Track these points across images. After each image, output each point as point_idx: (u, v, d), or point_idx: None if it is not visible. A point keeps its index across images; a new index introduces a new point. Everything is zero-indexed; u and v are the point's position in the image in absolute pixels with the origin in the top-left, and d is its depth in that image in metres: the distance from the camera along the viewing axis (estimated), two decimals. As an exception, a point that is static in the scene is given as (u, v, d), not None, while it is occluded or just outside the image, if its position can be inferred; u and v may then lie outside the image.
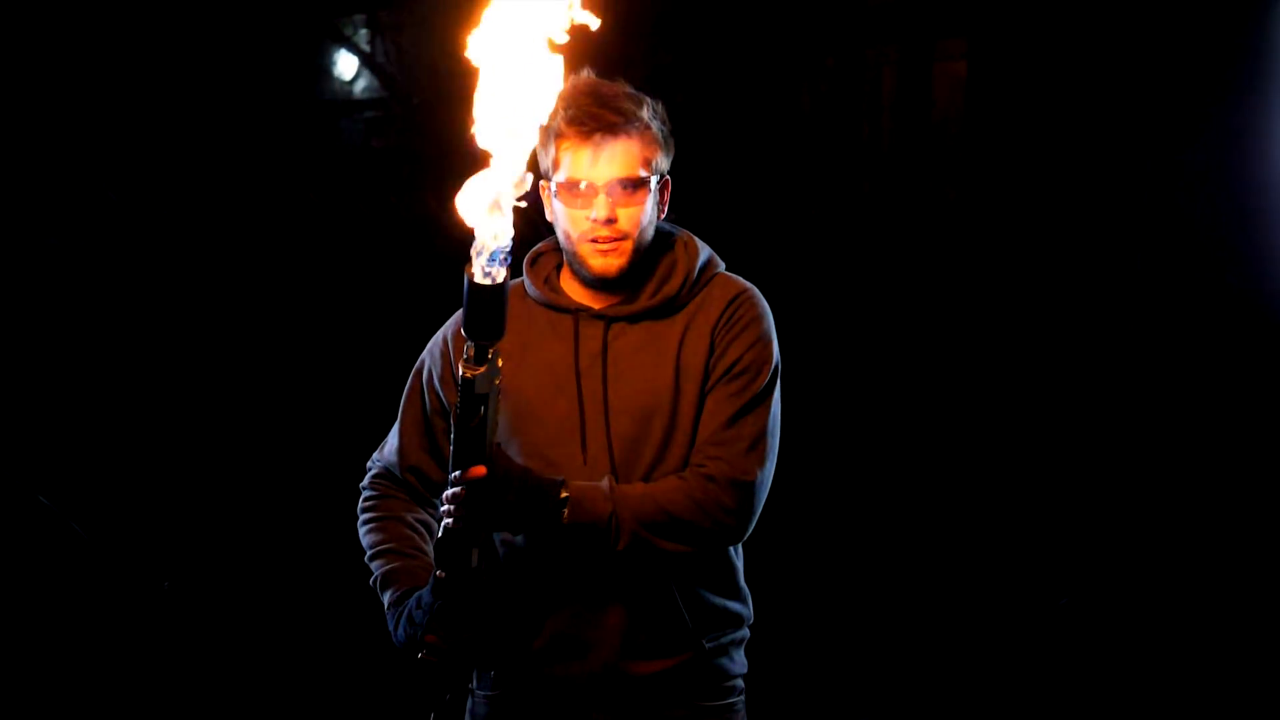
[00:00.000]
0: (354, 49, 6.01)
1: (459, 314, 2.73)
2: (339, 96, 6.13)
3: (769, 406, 2.78)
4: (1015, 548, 5.08)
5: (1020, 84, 5.32)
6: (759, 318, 2.80)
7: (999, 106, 5.41)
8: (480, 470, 2.55)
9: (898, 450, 5.33)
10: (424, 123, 5.59)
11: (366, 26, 6.01)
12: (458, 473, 2.56)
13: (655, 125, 2.76)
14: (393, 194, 5.45)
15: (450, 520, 2.58)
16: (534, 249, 2.90)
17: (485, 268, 2.42)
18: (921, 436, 5.32)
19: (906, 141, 5.69)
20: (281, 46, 5.77)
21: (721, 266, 2.87)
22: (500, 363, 2.50)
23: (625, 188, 2.72)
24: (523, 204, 2.38)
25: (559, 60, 2.41)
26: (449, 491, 2.58)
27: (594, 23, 2.39)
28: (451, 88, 2.42)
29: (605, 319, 2.79)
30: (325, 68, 6.07)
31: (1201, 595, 4.73)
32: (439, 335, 2.92)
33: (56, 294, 5.24)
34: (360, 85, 6.14)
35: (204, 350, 5.47)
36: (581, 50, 2.49)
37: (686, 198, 4.97)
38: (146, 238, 5.43)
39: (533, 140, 2.41)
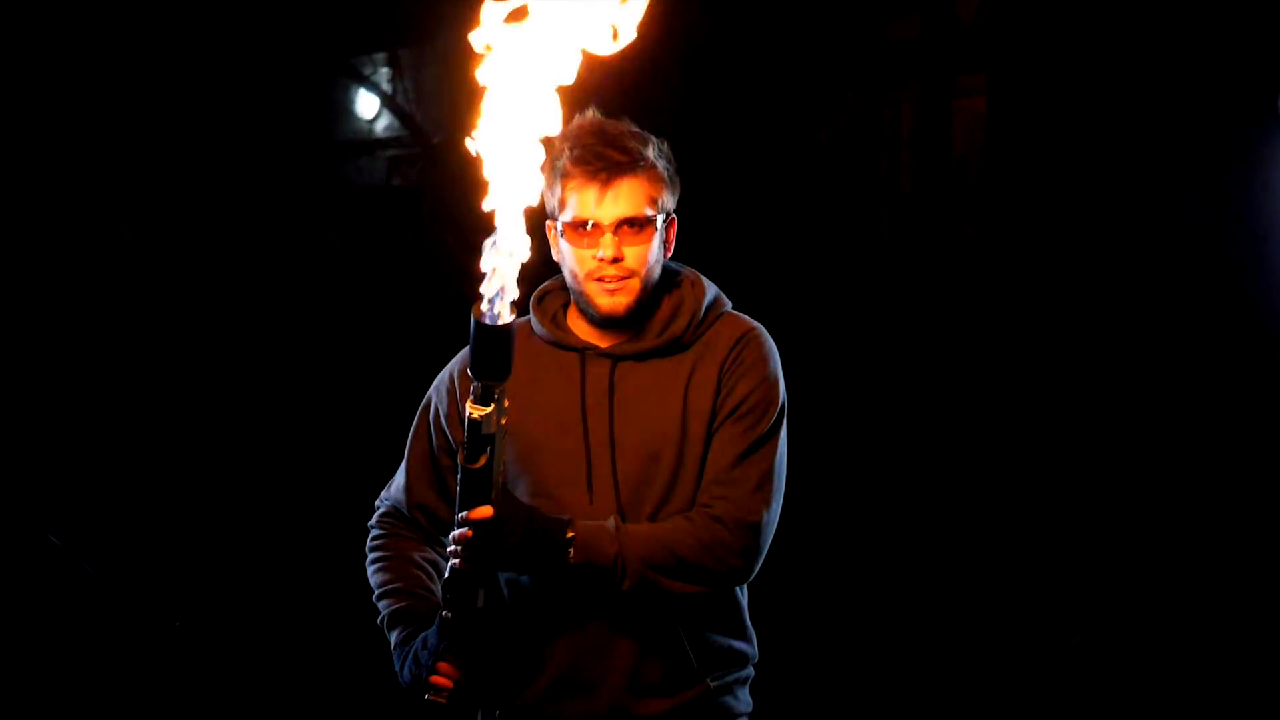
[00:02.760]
0: (374, 88, 6.04)
1: (465, 351, 2.74)
2: (360, 135, 6.16)
3: (776, 446, 2.78)
4: (1025, 587, 5.05)
5: (1040, 120, 5.30)
6: (766, 357, 2.80)
7: (1019, 143, 5.40)
8: (486, 511, 2.56)
9: (915, 487, 5.31)
10: (444, 162, 5.61)
11: (388, 65, 6.04)
12: (464, 513, 2.57)
13: (661, 164, 2.76)
14: (410, 233, 5.47)
15: (457, 561, 2.59)
16: (541, 287, 2.90)
17: (492, 308, 2.43)
18: (940, 474, 5.30)
19: (926, 178, 5.68)
20: (302, 86, 5.80)
21: (728, 305, 2.87)
22: (506, 403, 2.50)
23: (631, 227, 2.72)
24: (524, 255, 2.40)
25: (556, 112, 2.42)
26: (455, 532, 2.58)
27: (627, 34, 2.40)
28: (471, 127, 2.42)
29: (612, 357, 2.80)
30: (347, 106, 6.10)
31: (1226, 628, 4.70)
32: (445, 373, 2.92)
33: (69, 332, 5.26)
34: (382, 124, 6.16)
35: (218, 388, 5.48)
36: (605, 84, 2.50)
37: (704, 234, 4.97)
38: (163, 275, 5.45)
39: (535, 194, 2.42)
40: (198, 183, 5.56)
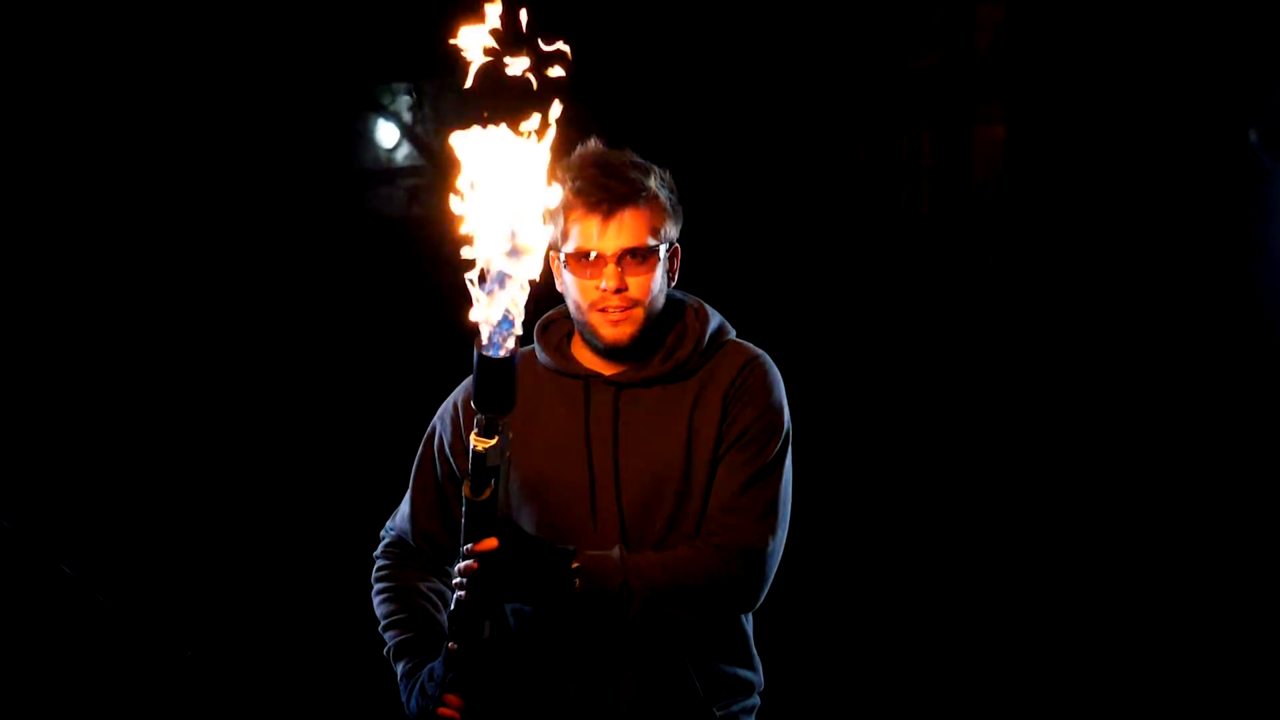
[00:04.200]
0: (394, 118, 6.06)
1: (469, 380, 2.74)
2: (381, 164, 6.18)
3: (781, 474, 2.78)
4: (1039, 616, 5.02)
5: (1059, 147, 5.29)
6: (770, 384, 2.80)
7: (1038, 170, 5.39)
8: (491, 543, 2.56)
9: (932, 516, 5.29)
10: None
11: (408, 94, 6.06)
12: (469, 545, 2.57)
13: (663, 194, 2.77)
14: (428, 261, 5.48)
15: (462, 593, 2.59)
16: (545, 316, 2.91)
17: (495, 340, 2.43)
18: (960, 502, 5.28)
19: (945, 205, 5.67)
20: (323, 115, 5.82)
21: (732, 333, 2.87)
22: (510, 434, 2.51)
23: (634, 257, 2.73)
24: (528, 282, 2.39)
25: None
26: (460, 564, 2.58)
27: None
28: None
29: (616, 386, 2.80)
30: (367, 136, 6.12)
31: (1240, 647, 4.67)
32: (449, 402, 2.93)
33: (84, 362, 5.28)
34: (403, 153, 6.18)
35: (231, 416, 5.49)
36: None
37: (724, 262, 4.97)
38: (177, 303, 5.48)
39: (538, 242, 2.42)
40: (220, 210, 5.58)
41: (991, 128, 5.64)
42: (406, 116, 6.09)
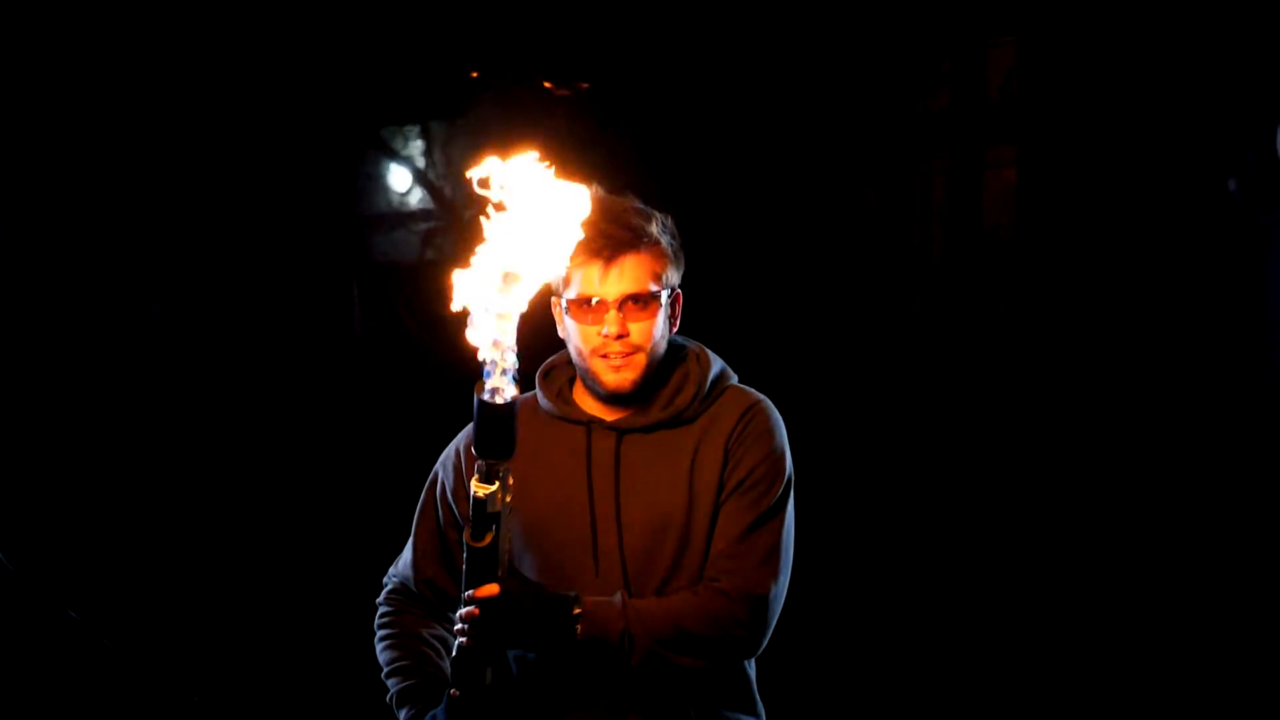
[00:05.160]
0: (405, 162, 6.08)
1: (471, 427, 2.75)
2: (393, 208, 6.19)
3: (783, 519, 2.77)
4: (1048, 662, 4.99)
5: (1071, 190, 5.29)
6: (772, 430, 2.80)
7: (1050, 213, 5.39)
8: (493, 589, 2.56)
9: (942, 562, 5.27)
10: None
11: (420, 139, 6.07)
12: (470, 591, 2.56)
13: (665, 240, 2.77)
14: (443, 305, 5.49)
15: (464, 639, 2.58)
16: (547, 362, 2.92)
17: (495, 386, 2.43)
18: (970, 549, 5.25)
19: (957, 249, 5.67)
20: (335, 159, 5.84)
21: (734, 379, 2.87)
22: (511, 480, 2.51)
23: (636, 303, 2.73)
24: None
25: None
26: (462, 610, 2.58)
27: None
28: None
29: (618, 431, 2.80)
30: (380, 179, 6.14)
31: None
32: (451, 448, 2.93)
33: (88, 410, 5.30)
34: (416, 196, 6.19)
35: (236, 464, 5.50)
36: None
37: (735, 307, 4.97)
38: (189, 350, 5.50)
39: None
40: (229, 258, 5.60)
41: (1003, 171, 5.64)
42: (419, 161, 6.11)
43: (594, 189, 2.77)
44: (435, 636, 2.91)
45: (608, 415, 2.82)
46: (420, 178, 6.07)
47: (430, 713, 2.75)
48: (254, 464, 5.51)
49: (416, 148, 6.11)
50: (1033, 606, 5.07)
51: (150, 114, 5.42)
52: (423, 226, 6.15)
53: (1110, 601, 4.96)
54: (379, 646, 2.93)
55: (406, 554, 2.96)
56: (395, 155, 6.08)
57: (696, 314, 3.01)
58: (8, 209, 5.21)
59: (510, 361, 2.42)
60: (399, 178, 6.15)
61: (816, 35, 5.50)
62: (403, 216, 6.16)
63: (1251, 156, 4.46)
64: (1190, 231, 4.93)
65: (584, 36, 5.35)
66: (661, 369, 2.81)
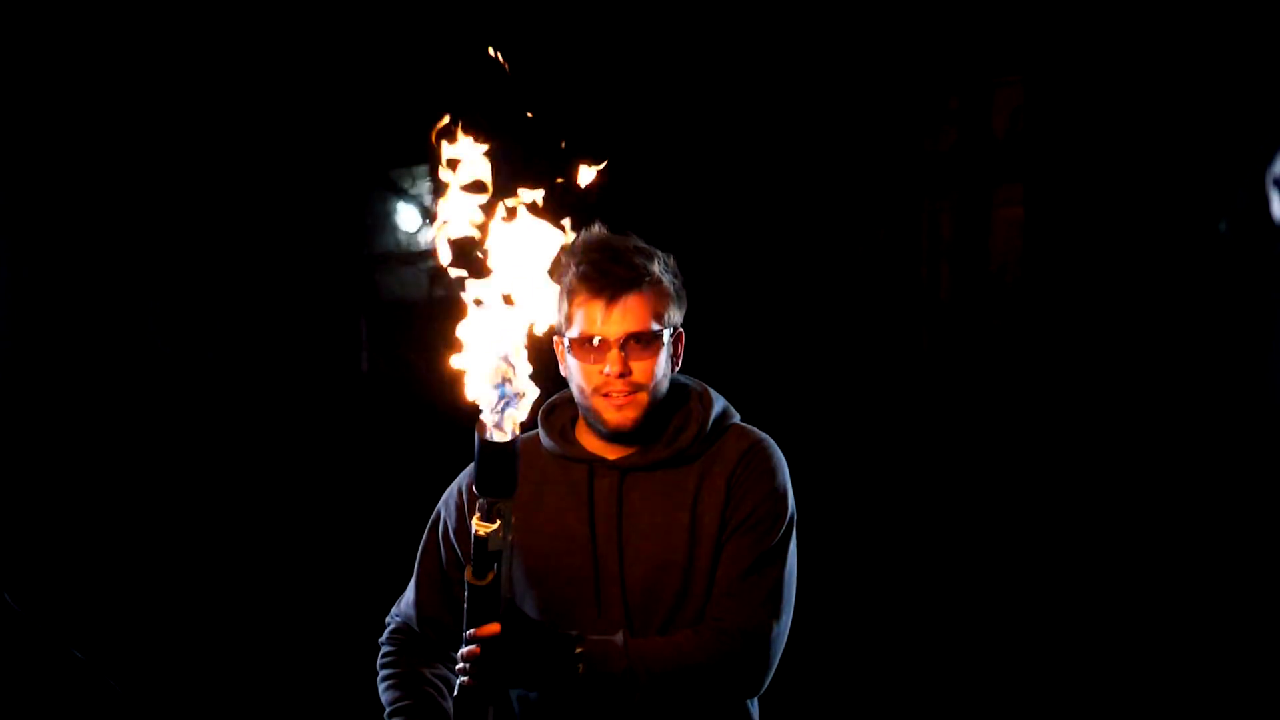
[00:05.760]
0: (413, 200, 6.10)
1: (473, 465, 2.75)
2: (402, 247, 6.21)
3: (785, 559, 2.77)
4: (1050, 693, 4.98)
5: (1078, 227, 5.29)
6: (774, 469, 2.80)
7: (1057, 251, 5.39)
8: (494, 628, 2.55)
9: (949, 605, 5.25)
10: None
11: (428, 178, 6.09)
12: (471, 630, 2.56)
13: (667, 279, 2.78)
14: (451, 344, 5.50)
15: (465, 678, 2.58)
16: (549, 401, 2.92)
17: (497, 424, 2.44)
18: (978, 590, 5.24)
19: (964, 287, 5.67)
20: (343, 198, 5.87)
21: (736, 417, 2.88)
22: (513, 519, 2.51)
23: (638, 342, 2.74)
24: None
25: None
26: (463, 650, 2.58)
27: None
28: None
29: (620, 470, 2.80)
30: (388, 218, 6.16)
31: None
32: (454, 487, 2.93)
33: (93, 447, 5.30)
34: (424, 236, 6.21)
35: (242, 500, 5.50)
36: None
37: (742, 344, 4.96)
38: (195, 386, 5.51)
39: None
40: (241, 295, 5.62)
41: (1010, 210, 5.65)
42: (428, 201, 6.13)
43: (596, 227, 2.79)
44: (438, 676, 2.91)
45: (610, 454, 2.82)
46: (429, 217, 6.09)
47: (433, 752, 2.75)
48: (261, 501, 5.52)
49: (425, 187, 6.13)
50: (1034, 653, 5.05)
51: (163, 151, 5.45)
52: (431, 265, 6.16)
53: (1116, 631, 4.94)
54: (382, 686, 2.93)
55: (409, 593, 2.96)
56: (404, 195, 6.10)
57: (700, 353, 3.02)
58: (20, 246, 5.24)
59: (524, 387, 2.43)
60: (407, 217, 6.17)
61: (825, 75, 5.51)
62: (411, 256, 6.18)
63: (1243, 197, 4.46)
64: (1200, 269, 4.93)
65: (593, 81, 5.37)
66: (664, 408, 2.81)
